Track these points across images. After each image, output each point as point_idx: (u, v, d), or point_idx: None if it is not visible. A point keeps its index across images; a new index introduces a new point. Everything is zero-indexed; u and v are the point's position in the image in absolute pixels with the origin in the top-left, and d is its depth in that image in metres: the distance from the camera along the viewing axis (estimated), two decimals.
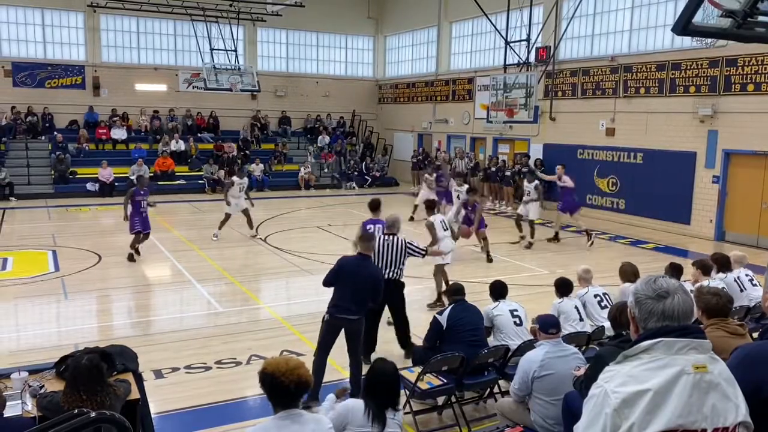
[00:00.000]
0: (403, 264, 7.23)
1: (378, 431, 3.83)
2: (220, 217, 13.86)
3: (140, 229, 11.73)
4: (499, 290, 6.42)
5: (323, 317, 6.02)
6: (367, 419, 3.83)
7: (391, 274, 7.08)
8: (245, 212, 13.99)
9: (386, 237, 7.21)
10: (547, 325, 4.86)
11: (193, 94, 24.97)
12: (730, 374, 2.08)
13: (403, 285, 7.27)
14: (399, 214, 7.91)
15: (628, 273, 6.98)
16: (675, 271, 7.01)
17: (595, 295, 6.84)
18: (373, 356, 6.52)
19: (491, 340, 6.10)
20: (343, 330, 5.97)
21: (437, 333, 5.86)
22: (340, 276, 5.96)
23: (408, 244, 7.29)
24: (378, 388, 3.96)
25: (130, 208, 11.81)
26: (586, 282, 7.09)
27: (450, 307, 5.95)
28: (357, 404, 3.94)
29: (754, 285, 7.40)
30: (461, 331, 5.73)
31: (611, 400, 1.95)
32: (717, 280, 6.95)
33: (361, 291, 5.91)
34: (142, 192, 11.96)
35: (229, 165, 23.62)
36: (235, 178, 14.25)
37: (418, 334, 7.41)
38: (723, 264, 7.42)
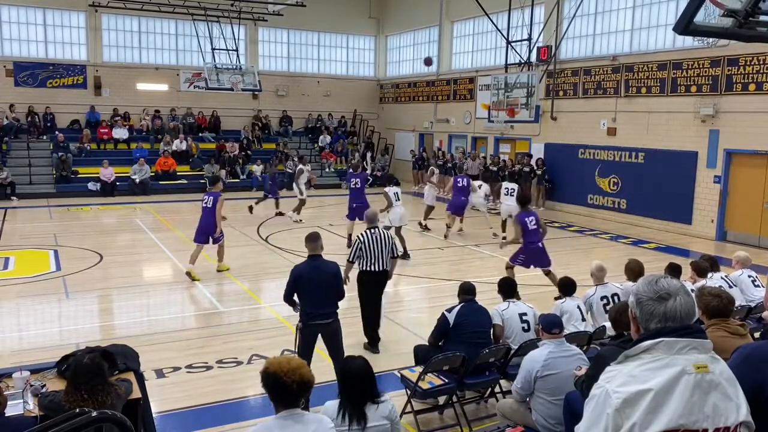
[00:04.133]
0: (390, 256, 7.35)
1: (360, 429, 3.76)
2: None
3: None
4: (506, 288, 6.31)
5: (296, 326, 5.98)
6: (341, 419, 3.76)
7: (377, 266, 7.22)
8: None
9: (371, 231, 7.37)
10: (551, 325, 4.85)
11: (195, 93, 24.98)
12: (731, 374, 2.08)
13: (386, 277, 7.39)
14: (375, 208, 8.32)
15: (635, 271, 6.83)
16: (674, 271, 6.93)
17: (602, 297, 6.66)
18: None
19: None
20: (320, 335, 5.93)
21: (443, 330, 5.82)
22: (298, 285, 5.87)
23: (392, 240, 7.50)
24: (352, 385, 3.89)
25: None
26: (598, 280, 6.87)
27: (459, 305, 5.90)
28: (333, 404, 3.88)
29: (757, 286, 7.35)
30: (466, 331, 5.70)
31: (612, 400, 1.95)
32: (716, 280, 6.92)
33: (325, 292, 5.85)
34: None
35: (230, 164, 23.66)
36: (303, 167, 16.88)
37: (420, 334, 7.43)
38: (699, 270, 7.16)
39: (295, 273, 5.94)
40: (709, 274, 7.10)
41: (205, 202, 10.80)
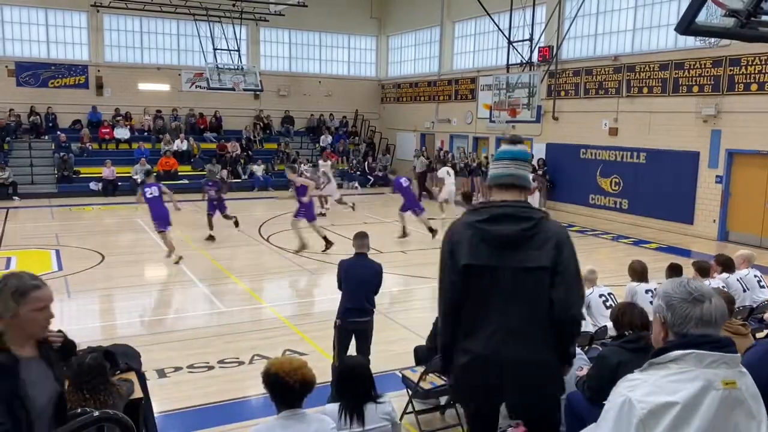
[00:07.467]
0: None
1: (360, 429, 3.75)
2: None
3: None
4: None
5: (335, 323, 6.00)
6: (343, 421, 3.74)
7: None
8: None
9: None
10: None
11: (196, 93, 24.99)
12: (756, 390, 2.02)
13: None
14: None
15: (638, 272, 6.84)
16: (674, 271, 6.92)
17: (600, 295, 6.66)
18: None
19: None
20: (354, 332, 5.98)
21: None
22: (345, 279, 5.97)
23: None
24: (349, 384, 3.89)
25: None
26: (591, 283, 6.89)
27: None
28: (334, 406, 3.87)
29: (762, 287, 7.32)
30: None
31: (637, 410, 1.90)
32: (718, 281, 6.91)
33: (366, 290, 5.93)
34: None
35: (231, 165, 23.66)
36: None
37: (421, 334, 7.42)
38: (726, 265, 7.30)
39: (344, 266, 6.06)
40: (725, 274, 7.11)
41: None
